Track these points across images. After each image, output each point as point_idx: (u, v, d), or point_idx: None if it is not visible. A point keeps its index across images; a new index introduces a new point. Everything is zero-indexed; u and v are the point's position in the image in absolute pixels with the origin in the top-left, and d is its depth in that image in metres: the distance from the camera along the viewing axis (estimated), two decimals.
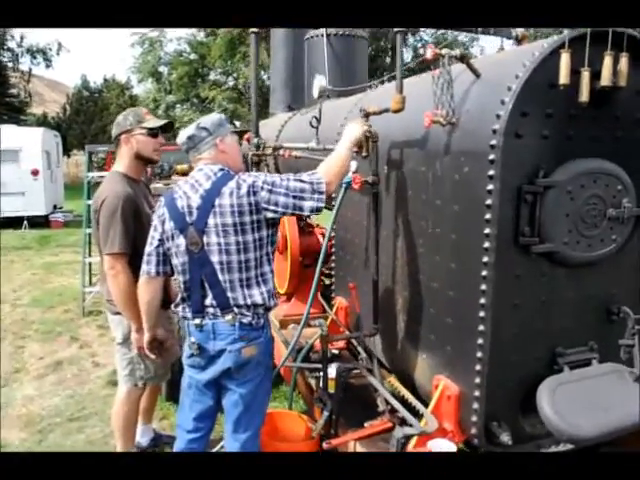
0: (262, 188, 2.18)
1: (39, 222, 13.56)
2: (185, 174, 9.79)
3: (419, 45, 29.13)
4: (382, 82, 3.74)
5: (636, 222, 2.21)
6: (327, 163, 2.35)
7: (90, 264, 6.74)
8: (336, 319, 3.35)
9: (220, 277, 2.21)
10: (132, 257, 2.71)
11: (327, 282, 3.85)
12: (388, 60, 25.79)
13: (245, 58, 24.44)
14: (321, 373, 2.87)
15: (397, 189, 2.59)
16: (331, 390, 2.73)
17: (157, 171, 13.32)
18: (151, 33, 27.20)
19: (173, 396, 3.94)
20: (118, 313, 2.80)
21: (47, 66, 28.90)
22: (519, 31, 2.48)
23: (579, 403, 2.05)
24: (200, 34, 27.19)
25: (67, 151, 25.69)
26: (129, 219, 2.68)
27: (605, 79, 1.86)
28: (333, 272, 3.60)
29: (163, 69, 28.26)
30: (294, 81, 5.92)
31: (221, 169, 2.28)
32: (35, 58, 28.64)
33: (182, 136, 2.34)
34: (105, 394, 4.27)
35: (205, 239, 2.20)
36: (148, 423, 3.31)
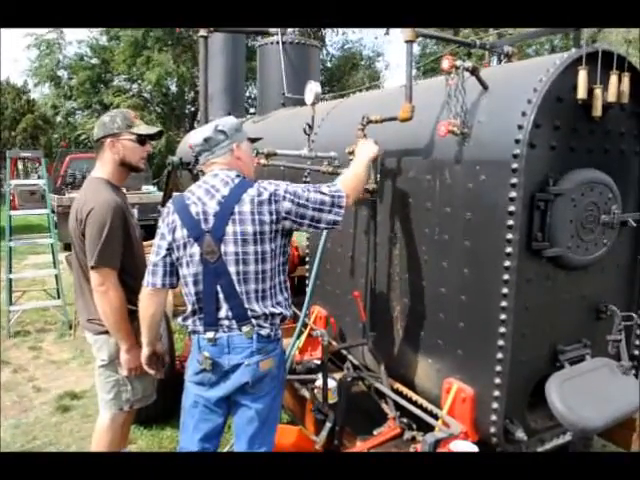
0: (284, 198, 2.13)
1: None
2: None
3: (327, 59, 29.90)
4: (353, 93, 3.80)
5: (620, 227, 2.41)
6: (345, 177, 2.33)
7: (11, 280, 6.18)
8: (316, 328, 3.32)
9: (237, 288, 2.13)
10: (120, 272, 2.53)
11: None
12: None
13: (149, 62, 23.75)
14: (316, 384, 2.85)
15: (396, 197, 2.64)
16: (331, 400, 2.71)
17: (69, 180, 12.61)
18: (48, 35, 25.69)
19: (138, 418, 3.73)
20: (103, 332, 2.60)
21: None
22: (509, 48, 2.63)
23: (584, 396, 2.20)
24: (103, 38, 26.07)
25: None
26: (119, 231, 2.50)
27: (612, 95, 2.03)
28: (308, 281, 3.58)
29: (62, 73, 26.72)
30: (233, 88, 5.89)
31: (238, 175, 2.20)
32: None
33: (197, 137, 2.22)
34: (56, 421, 3.91)
35: (222, 248, 2.10)
36: (123, 448, 3.09)
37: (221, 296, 2.14)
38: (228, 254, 2.11)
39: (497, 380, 2.14)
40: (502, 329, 2.11)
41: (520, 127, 2.00)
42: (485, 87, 2.23)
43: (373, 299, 2.84)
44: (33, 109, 26.54)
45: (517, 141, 2.00)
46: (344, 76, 27.58)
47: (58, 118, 26.87)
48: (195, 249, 2.13)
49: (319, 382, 2.81)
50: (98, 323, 2.58)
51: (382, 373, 2.61)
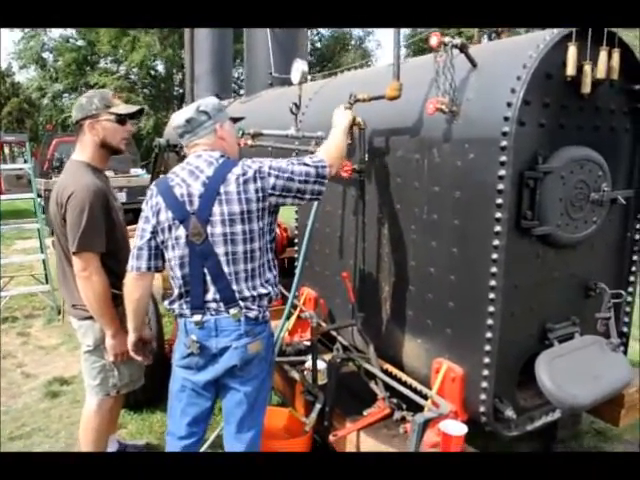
0: (269, 174, 2.10)
1: None
2: None
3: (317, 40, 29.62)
4: (341, 72, 3.75)
5: (610, 205, 2.40)
6: (326, 147, 2.33)
7: None
8: (305, 310, 3.31)
9: (225, 269, 2.10)
10: (103, 256, 2.49)
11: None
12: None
13: (135, 42, 23.45)
14: (306, 365, 2.85)
15: (384, 177, 2.60)
16: (321, 382, 2.71)
17: (55, 165, 12.44)
18: None
19: (127, 403, 3.72)
20: (88, 318, 2.57)
21: None
22: None
23: (573, 374, 2.21)
24: None
25: None
26: (101, 214, 2.46)
27: (601, 72, 2.00)
28: (297, 262, 3.55)
29: (48, 55, 26.31)
30: (220, 69, 5.79)
31: (222, 155, 2.17)
32: None
33: (179, 118, 2.18)
34: (44, 407, 3.89)
35: (209, 229, 2.08)
36: (112, 434, 3.08)
37: (208, 278, 2.12)
38: (215, 235, 2.08)
39: (486, 359, 2.14)
40: (491, 308, 2.10)
41: (509, 104, 1.96)
42: (474, 64, 2.18)
43: (362, 280, 2.82)
44: (18, 92, 26.10)
45: (506, 118, 1.97)
46: (334, 57, 27.35)
47: (45, 101, 26.49)
48: (181, 231, 2.10)
49: (309, 364, 2.81)
50: (82, 308, 2.55)
51: (371, 354, 2.60)
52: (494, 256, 2.06)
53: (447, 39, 2.10)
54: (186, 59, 5.20)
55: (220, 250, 2.09)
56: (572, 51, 1.92)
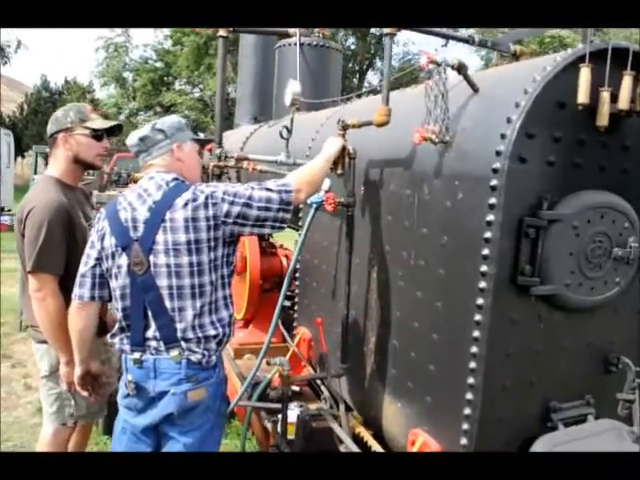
0: (223, 200, 1.88)
1: None
2: None
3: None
4: (359, 96, 3.50)
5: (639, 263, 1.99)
6: (298, 171, 2.11)
7: None
8: (298, 352, 3.02)
9: (168, 305, 1.88)
10: (63, 278, 2.32)
11: (288, 304, 3.53)
12: (355, 81, 26.13)
13: (210, 69, 24.27)
14: (280, 416, 2.54)
15: (375, 213, 2.31)
16: (291, 436, 2.40)
17: (114, 178, 12.82)
18: (117, 38, 26.77)
19: (108, 430, 3.53)
20: (45, 342, 2.40)
21: (5, 63, 27.98)
22: (517, 47, 2.25)
23: None
24: (167, 42, 26.90)
25: (22, 151, 24.56)
26: (61, 233, 2.29)
27: (624, 102, 1.63)
28: (297, 299, 3.28)
29: (128, 75, 27.72)
30: (262, 92, 5.68)
31: (175, 178, 1.96)
32: None
33: (133, 137, 2.01)
34: (33, 423, 3.78)
35: (152, 259, 1.86)
36: None
37: (149, 313, 1.91)
38: (158, 266, 1.86)
39: (463, 440, 1.77)
40: (471, 380, 1.73)
41: (503, 136, 1.63)
42: (475, 89, 1.87)
43: (349, 326, 2.49)
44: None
45: (498, 153, 1.64)
46: (404, 87, 27.21)
47: (121, 117, 27.80)
48: (123, 260, 1.91)
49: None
50: (39, 331, 2.38)
51: (342, 414, 2.27)
52: (477, 317, 1.70)
53: (440, 58, 1.80)
54: (217, 79, 5.09)
55: (163, 283, 1.87)
56: (584, 74, 1.56)
